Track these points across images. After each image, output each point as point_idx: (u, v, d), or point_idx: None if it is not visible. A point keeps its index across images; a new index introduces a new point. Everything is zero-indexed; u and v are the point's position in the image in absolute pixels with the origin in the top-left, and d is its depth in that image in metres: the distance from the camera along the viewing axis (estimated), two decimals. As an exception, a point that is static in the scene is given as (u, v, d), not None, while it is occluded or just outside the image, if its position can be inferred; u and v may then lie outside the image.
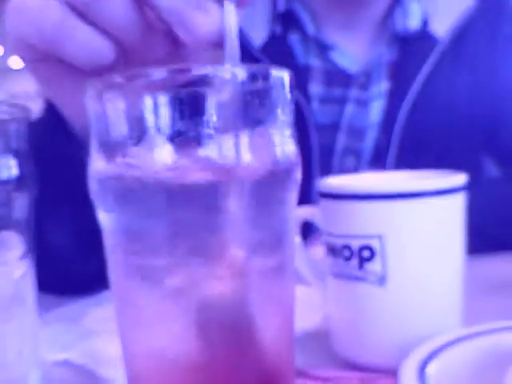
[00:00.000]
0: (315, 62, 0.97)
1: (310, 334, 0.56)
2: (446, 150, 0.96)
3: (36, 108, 0.71)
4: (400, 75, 0.96)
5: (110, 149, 0.35)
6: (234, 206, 0.33)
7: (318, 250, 0.52)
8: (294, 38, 0.97)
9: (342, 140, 0.95)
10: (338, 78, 0.97)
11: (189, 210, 0.33)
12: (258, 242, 0.35)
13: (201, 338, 0.35)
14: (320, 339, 0.54)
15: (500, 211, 0.83)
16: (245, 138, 0.34)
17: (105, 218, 0.37)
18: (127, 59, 0.47)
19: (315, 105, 0.96)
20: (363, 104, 0.96)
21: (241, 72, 0.35)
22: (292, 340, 0.39)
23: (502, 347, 0.42)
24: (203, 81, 0.34)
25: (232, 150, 0.34)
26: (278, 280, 0.36)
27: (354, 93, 0.96)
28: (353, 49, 0.98)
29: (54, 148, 0.65)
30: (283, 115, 0.36)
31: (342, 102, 0.96)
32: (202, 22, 0.44)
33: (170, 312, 0.35)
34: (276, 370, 0.38)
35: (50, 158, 0.63)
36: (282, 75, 0.36)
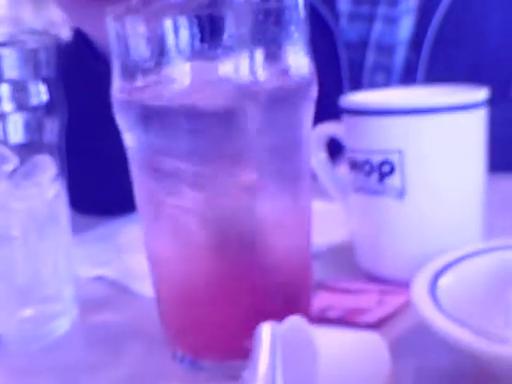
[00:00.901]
0: None
1: (333, 247, 0.57)
2: (477, 67, 0.94)
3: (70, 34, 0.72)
4: None
5: (131, 71, 0.37)
6: (250, 120, 0.35)
7: (344, 168, 0.53)
8: None
9: (371, 57, 0.94)
10: None
11: (206, 127, 0.35)
12: (273, 159, 0.36)
13: (220, 250, 0.37)
14: (343, 253, 0.55)
15: None
16: (259, 56, 0.35)
17: (128, 137, 0.38)
18: None
19: (343, 22, 0.95)
20: (392, 21, 0.94)
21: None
22: (309, 253, 0.41)
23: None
24: (219, 1, 0.35)
25: (247, 68, 0.35)
26: (292, 191, 0.38)
27: (382, 9, 0.94)
28: None
29: (84, 69, 0.66)
30: (297, 33, 0.37)
31: (370, 18, 0.95)
32: None
33: (191, 225, 0.37)
34: (293, 282, 0.39)
35: (80, 80, 0.64)
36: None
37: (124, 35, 0.37)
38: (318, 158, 0.55)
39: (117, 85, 0.38)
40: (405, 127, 0.46)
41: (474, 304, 0.39)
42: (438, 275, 0.40)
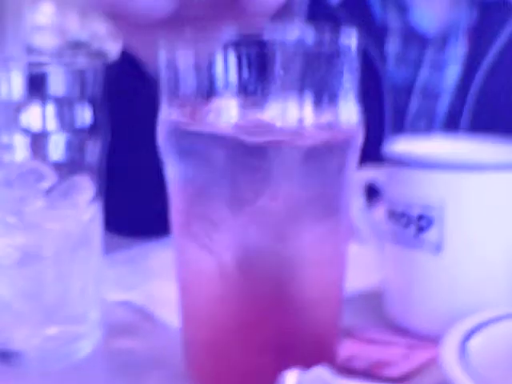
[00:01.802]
0: (393, 22, 0.95)
1: (363, 294, 0.57)
2: None
3: (115, 48, 0.72)
4: (477, 40, 0.94)
5: (179, 101, 0.37)
6: (291, 169, 0.34)
7: (381, 212, 0.53)
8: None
9: (415, 102, 0.94)
10: (414, 38, 0.95)
11: (247, 170, 0.34)
12: (311, 205, 0.36)
13: (248, 294, 0.36)
14: (372, 300, 0.55)
15: None
16: (308, 103, 0.35)
17: (169, 167, 0.38)
18: (182, 15, 0.47)
19: (391, 64, 0.95)
20: (439, 67, 0.94)
21: (310, 34, 0.36)
22: (340, 301, 0.40)
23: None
24: (272, 41, 0.35)
25: (294, 114, 0.35)
26: (328, 244, 0.37)
27: (429, 55, 0.94)
28: (432, 10, 0.96)
29: (130, 90, 0.67)
30: (349, 80, 0.37)
31: (417, 63, 0.95)
32: None
33: (223, 269, 0.36)
34: (321, 329, 0.39)
35: (126, 101, 0.65)
36: (350, 40, 0.37)
37: (174, 65, 0.37)
38: (356, 203, 0.55)
39: (164, 113, 0.38)
40: (446, 183, 0.46)
41: (504, 368, 0.38)
42: (468, 336, 0.40)
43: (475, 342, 0.39)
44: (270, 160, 0.34)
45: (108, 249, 0.51)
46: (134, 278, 0.60)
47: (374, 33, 0.93)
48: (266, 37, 0.35)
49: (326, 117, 0.36)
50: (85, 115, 0.46)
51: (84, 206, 0.46)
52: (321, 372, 0.34)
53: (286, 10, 0.43)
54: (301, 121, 0.35)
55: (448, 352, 0.38)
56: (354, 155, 0.38)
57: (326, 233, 0.38)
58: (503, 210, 0.47)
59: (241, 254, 0.36)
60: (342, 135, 0.36)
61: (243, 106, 0.35)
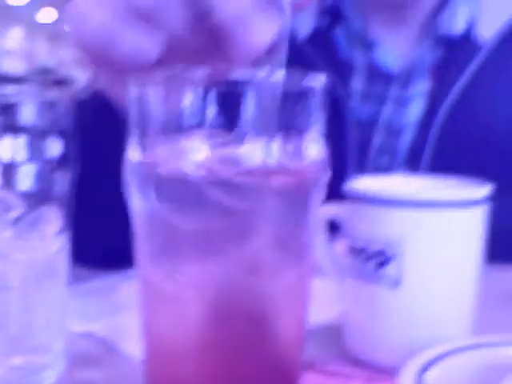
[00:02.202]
0: (358, 58, 0.97)
1: (324, 327, 0.58)
2: (483, 157, 0.95)
3: (84, 76, 0.73)
4: (441, 77, 0.95)
5: (148, 139, 0.38)
6: (260, 209, 0.36)
7: (341, 247, 0.54)
8: (338, 33, 0.97)
9: (378, 138, 0.96)
10: (379, 75, 0.97)
11: (213, 209, 0.35)
12: (279, 243, 0.37)
13: (216, 329, 0.37)
14: (333, 334, 0.56)
15: None
16: (277, 142, 0.36)
17: (134, 201, 0.39)
18: (168, 57, 0.48)
19: (355, 100, 0.96)
20: (402, 103, 0.96)
21: (277, 75, 0.37)
22: (303, 336, 0.41)
23: (505, 360, 0.44)
24: (242, 82, 0.36)
25: (264, 153, 0.36)
26: (295, 280, 0.38)
27: (393, 91, 0.96)
28: (396, 47, 0.98)
29: (100, 127, 0.67)
30: (316, 119, 0.38)
31: (381, 99, 0.96)
32: (265, 29, 0.44)
33: (188, 303, 0.37)
34: (286, 363, 0.40)
35: (95, 137, 0.65)
36: (318, 80, 0.38)
37: (143, 103, 0.38)
38: (318, 238, 0.56)
39: (132, 150, 0.39)
40: (404, 219, 0.48)
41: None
42: (425, 368, 0.41)
43: (432, 374, 0.41)
44: (238, 198, 0.35)
45: (73, 280, 0.51)
46: (98, 310, 0.61)
47: (339, 69, 0.95)
48: (236, 76, 0.37)
49: (294, 155, 0.37)
50: (55, 146, 0.47)
51: (51, 237, 0.47)
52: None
53: (268, 56, 0.44)
54: (269, 159, 0.36)
55: (405, 382, 0.39)
56: (320, 193, 0.39)
57: (293, 270, 0.38)
58: (459, 246, 0.49)
59: (205, 288, 0.37)
60: (309, 173, 0.37)
61: (212, 145, 0.36)
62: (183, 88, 0.36)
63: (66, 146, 0.48)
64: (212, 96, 0.36)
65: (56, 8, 8.48)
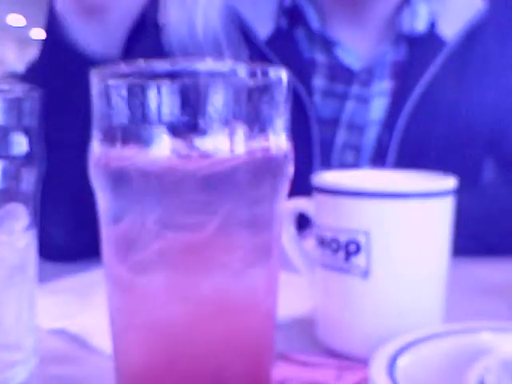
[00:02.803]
0: (320, 57, 0.98)
1: (295, 320, 0.58)
2: (447, 152, 0.96)
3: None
4: (405, 75, 0.96)
5: (110, 134, 0.37)
6: (225, 197, 0.36)
7: (311, 242, 0.54)
8: (299, 33, 0.98)
9: (341, 135, 0.96)
10: (341, 73, 0.97)
11: (179, 199, 0.35)
12: (244, 233, 0.37)
13: (179, 321, 0.37)
14: (304, 326, 0.56)
15: (495, 216, 0.85)
16: (240, 131, 0.36)
17: (100, 197, 0.39)
18: None
19: (317, 98, 0.97)
20: (364, 101, 0.96)
21: (241, 68, 0.37)
22: (273, 328, 0.41)
23: (475, 346, 0.44)
24: (204, 73, 0.36)
25: (227, 142, 0.36)
26: (263, 261, 0.38)
27: (355, 89, 0.97)
28: (358, 46, 0.99)
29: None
30: (279, 111, 0.38)
31: (343, 97, 0.97)
32: None
33: (154, 296, 0.37)
34: (256, 355, 0.40)
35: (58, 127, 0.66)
36: (280, 73, 0.38)
37: (106, 98, 0.37)
38: (287, 232, 0.57)
39: (95, 146, 0.39)
40: (372, 209, 0.48)
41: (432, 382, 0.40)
42: (396, 355, 0.41)
43: (403, 361, 0.41)
44: (203, 187, 0.35)
45: (43, 277, 0.51)
46: (69, 307, 0.60)
47: (301, 67, 0.95)
48: (199, 69, 0.37)
49: (257, 146, 0.37)
50: (20, 143, 0.47)
51: (19, 234, 0.47)
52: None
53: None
54: (232, 150, 0.36)
55: (377, 371, 0.39)
56: (285, 184, 0.39)
57: (260, 262, 0.38)
58: (426, 235, 0.49)
59: (172, 281, 0.37)
60: (273, 162, 0.37)
61: (175, 138, 0.36)
62: (145, 81, 0.36)
63: (32, 143, 0.48)
64: (175, 88, 0.35)
65: (24, 14, 8.42)
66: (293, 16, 0.97)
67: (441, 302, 0.51)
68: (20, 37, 8.58)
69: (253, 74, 0.37)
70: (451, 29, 0.95)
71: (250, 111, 0.37)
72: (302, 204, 0.55)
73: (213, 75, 0.36)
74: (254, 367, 0.40)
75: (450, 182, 0.50)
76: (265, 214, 0.38)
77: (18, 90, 0.48)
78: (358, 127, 0.96)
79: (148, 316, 0.38)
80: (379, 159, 0.94)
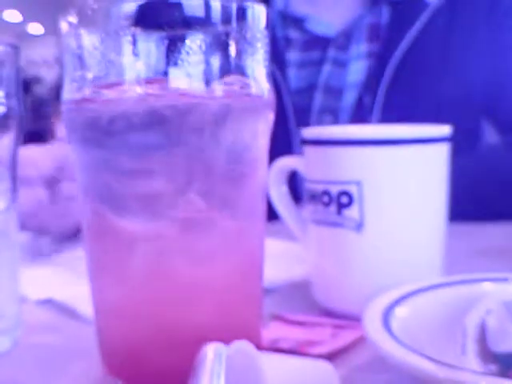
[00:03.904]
0: (293, 34, 0.99)
1: (292, 283, 0.57)
2: (436, 114, 0.95)
3: (51, 74, 0.73)
4: (387, 37, 0.96)
5: (83, 83, 0.36)
6: (203, 135, 0.34)
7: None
8: (270, 12, 0.97)
9: (318, 99, 0.96)
10: (315, 43, 0.98)
11: (155, 138, 0.34)
12: (226, 168, 0.35)
13: (160, 279, 0.35)
14: (301, 289, 0.54)
15: (493, 179, 0.83)
16: (216, 70, 0.35)
17: (75, 149, 0.37)
18: None
19: (292, 71, 0.97)
20: (341, 64, 0.96)
21: (217, 9, 0.35)
22: (259, 287, 0.40)
23: (475, 295, 0.42)
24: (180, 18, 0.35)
25: (203, 84, 0.34)
26: (245, 213, 0.37)
27: (331, 53, 0.96)
28: (336, 15, 0.99)
29: None
30: (259, 51, 0.36)
31: (319, 63, 0.97)
32: None
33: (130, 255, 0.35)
34: (241, 314, 0.38)
35: None
36: (259, 11, 0.36)
37: (77, 45, 0.36)
38: (278, 191, 0.55)
39: (66, 94, 0.37)
40: (363, 158, 0.46)
41: (430, 335, 0.38)
42: (392, 306, 0.40)
43: (399, 312, 0.39)
44: (181, 122, 0.33)
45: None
46: (57, 279, 0.59)
47: (274, 45, 0.94)
48: (173, 11, 0.35)
49: (237, 86, 0.35)
50: (-2, 106, 0.45)
51: (-2, 195, 0.45)
52: (242, 345, 0.34)
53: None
54: (210, 88, 0.34)
55: (372, 322, 0.37)
56: (265, 129, 0.37)
57: (241, 206, 0.37)
58: (420, 184, 0.47)
59: (153, 232, 0.35)
60: (253, 101, 0.36)
61: (150, 80, 0.34)
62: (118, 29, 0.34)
63: (9, 105, 0.46)
64: (148, 37, 0.34)
65: (20, 9, 8.42)
66: None
67: (439, 255, 0.49)
68: (17, 32, 8.57)
69: (229, 19, 0.35)
70: None
71: (228, 56, 0.35)
72: (292, 162, 0.53)
73: (188, 23, 0.35)
74: (242, 328, 0.39)
75: (444, 129, 0.48)
76: (246, 158, 0.36)
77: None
78: (336, 91, 0.96)
79: (124, 268, 0.36)
80: (360, 121, 0.93)
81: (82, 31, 0.36)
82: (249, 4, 0.36)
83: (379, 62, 0.94)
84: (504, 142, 1.00)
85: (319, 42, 0.97)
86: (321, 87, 0.96)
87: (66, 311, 0.52)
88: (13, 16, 8.69)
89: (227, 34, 0.35)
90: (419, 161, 0.47)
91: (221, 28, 0.35)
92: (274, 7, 0.97)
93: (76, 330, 0.49)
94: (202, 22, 0.35)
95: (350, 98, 0.96)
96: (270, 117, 0.37)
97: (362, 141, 0.46)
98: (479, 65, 0.96)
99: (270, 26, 0.92)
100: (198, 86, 0.34)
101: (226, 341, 0.37)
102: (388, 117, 0.92)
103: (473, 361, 0.33)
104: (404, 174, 0.47)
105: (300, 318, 0.48)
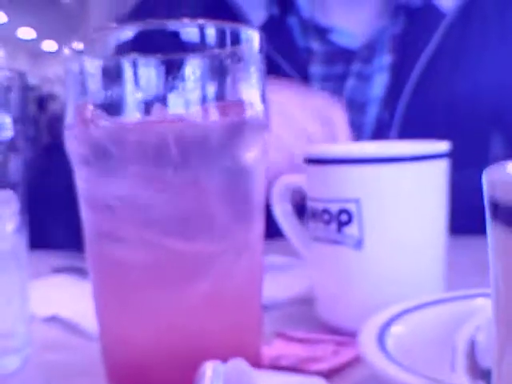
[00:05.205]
0: (315, 45, 0.96)
1: (295, 300, 0.57)
2: (451, 128, 0.94)
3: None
4: (405, 48, 0.94)
5: (84, 106, 0.37)
6: (199, 159, 0.35)
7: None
8: (292, 21, 0.96)
9: None
10: (339, 56, 0.96)
11: (154, 163, 0.35)
12: (222, 197, 0.36)
13: (162, 297, 0.36)
14: (304, 306, 0.55)
15: None
16: (211, 95, 0.36)
17: (77, 175, 0.38)
18: None
19: (316, 84, 0.95)
20: (365, 78, 0.94)
21: (212, 34, 0.36)
22: (259, 304, 0.41)
23: (470, 312, 0.43)
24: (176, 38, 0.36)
25: (198, 111, 0.35)
26: (242, 239, 0.38)
27: (356, 67, 0.95)
28: (355, 25, 0.97)
29: None
30: (254, 76, 0.37)
31: (343, 77, 0.95)
32: None
33: (136, 268, 0.36)
34: (242, 332, 0.39)
35: None
36: (252, 35, 0.37)
37: (81, 72, 0.37)
38: (282, 208, 0.56)
39: (69, 120, 0.38)
40: (361, 176, 0.47)
41: (425, 352, 0.39)
42: (388, 325, 0.40)
43: (394, 331, 0.40)
44: (179, 147, 0.34)
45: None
46: (62, 296, 0.60)
47: (296, 57, 0.94)
48: (167, 31, 0.36)
49: (232, 109, 0.36)
50: (6, 128, 0.46)
51: (8, 219, 0.46)
52: (239, 363, 0.35)
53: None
54: (205, 115, 0.35)
55: (367, 341, 0.38)
56: (262, 150, 0.38)
57: (240, 228, 0.38)
58: (419, 201, 0.48)
59: (151, 254, 0.36)
60: (249, 124, 0.37)
61: (148, 105, 0.35)
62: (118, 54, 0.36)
63: (17, 128, 0.47)
64: (148, 61, 0.35)
65: (35, 26, 8.49)
66: (284, 4, 0.95)
67: (440, 271, 0.50)
68: (31, 50, 8.66)
69: (223, 43, 0.36)
70: None
71: (223, 80, 0.36)
72: (296, 179, 0.54)
73: (184, 47, 0.36)
74: (242, 346, 0.39)
75: (442, 145, 0.49)
76: (242, 178, 0.37)
77: (3, 75, 0.48)
78: (359, 105, 0.94)
79: (127, 289, 0.37)
80: (381, 137, 0.92)
81: (85, 57, 0.37)
82: (243, 28, 0.37)
83: (398, 76, 0.93)
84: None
85: (342, 55, 0.95)
86: (345, 101, 0.94)
87: (70, 327, 0.53)
88: (27, 33, 8.78)
89: (222, 59, 0.36)
90: (417, 178, 0.48)
91: (216, 53, 0.36)
92: (298, 16, 0.96)
93: (82, 346, 0.50)
94: (197, 48, 0.36)
95: (373, 113, 0.95)
96: (267, 137, 0.38)
97: (360, 159, 0.47)
98: (491, 76, 0.95)
99: (290, 35, 0.93)
100: (194, 110, 0.35)
101: (226, 358, 0.38)
102: (406, 133, 0.90)
103: (462, 377, 0.34)
104: (402, 191, 0.47)
105: (302, 335, 0.49)
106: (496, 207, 0.22)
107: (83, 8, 5.53)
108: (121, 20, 1.06)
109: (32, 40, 8.87)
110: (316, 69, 0.96)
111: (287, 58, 0.92)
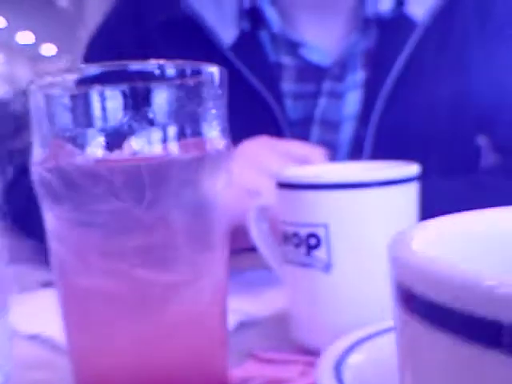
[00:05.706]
0: (286, 60, 0.95)
1: (269, 317, 0.58)
2: (431, 141, 0.93)
3: None
4: (377, 62, 0.91)
5: (49, 141, 0.38)
6: (166, 194, 0.36)
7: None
8: (263, 36, 0.95)
9: (315, 133, 0.93)
10: (310, 73, 0.94)
11: (121, 199, 0.36)
12: (187, 229, 0.37)
13: (126, 323, 0.37)
14: (278, 323, 0.56)
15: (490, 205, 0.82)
16: (173, 131, 0.36)
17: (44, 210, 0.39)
18: None
19: (288, 102, 0.94)
20: (337, 96, 0.93)
21: (172, 69, 0.37)
22: (224, 327, 0.41)
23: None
24: (137, 77, 0.36)
25: (159, 145, 0.36)
26: (208, 270, 0.39)
27: (327, 85, 0.93)
28: (326, 41, 0.95)
29: None
30: (214, 109, 0.38)
31: (315, 95, 0.93)
32: None
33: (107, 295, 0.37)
34: (208, 355, 0.40)
35: None
36: (212, 71, 0.38)
37: (44, 106, 0.38)
38: (257, 229, 0.56)
39: (35, 156, 0.39)
40: (328, 202, 0.48)
41: (383, 381, 0.39)
42: (345, 354, 0.40)
43: (351, 360, 0.39)
44: (139, 182, 0.35)
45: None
46: (45, 314, 0.61)
47: (267, 73, 0.93)
48: (129, 71, 0.37)
49: (192, 143, 0.37)
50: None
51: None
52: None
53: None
54: (166, 150, 0.36)
55: (322, 370, 0.37)
56: (224, 180, 0.39)
57: (203, 251, 0.39)
58: (386, 226, 0.49)
59: (119, 282, 0.37)
60: (208, 158, 0.37)
61: (108, 142, 0.36)
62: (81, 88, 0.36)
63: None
64: (113, 93, 0.36)
65: (33, 30, 8.50)
66: (254, 19, 0.94)
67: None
68: (30, 54, 8.66)
69: (183, 75, 0.37)
70: (421, 8, 0.90)
71: (183, 111, 0.37)
72: (265, 200, 0.55)
73: (144, 75, 0.37)
74: (208, 365, 0.40)
75: (412, 169, 0.50)
76: (205, 211, 0.38)
77: None
78: (333, 124, 0.93)
79: (97, 315, 0.38)
80: (357, 155, 0.91)
81: (52, 91, 0.38)
82: (202, 66, 0.38)
83: (370, 91, 0.91)
84: (503, 166, 0.95)
85: (313, 72, 0.94)
86: (317, 120, 0.93)
87: (52, 346, 0.54)
88: (26, 37, 8.79)
89: (182, 95, 0.37)
90: (386, 203, 0.48)
91: (176, 91, 0.37)
92: (269, 31, 0.95)
93: (64, 365, 0.51)
94: (158, 86, 0.37)
95: (347, 131, 0.93)
96: (229, 170, 0.39)
97: (328, 185, 0.47)
98: (473, 81, 0.93)
99: (262, 51, 0.92)
100: (156, 147, 0.36)
101: (193, 379, 0.39)
102: (379, 149, 0.90)
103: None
104: (370, 216, 0.48)
105: (272, 356, 0.50)
106: (412, 298, 0.19)
107: (81, 12, 5.54)
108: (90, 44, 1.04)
109: (31, 44, 8.88)
110: (288, 86, 0.94)
111: (259, 74, 0.90)
